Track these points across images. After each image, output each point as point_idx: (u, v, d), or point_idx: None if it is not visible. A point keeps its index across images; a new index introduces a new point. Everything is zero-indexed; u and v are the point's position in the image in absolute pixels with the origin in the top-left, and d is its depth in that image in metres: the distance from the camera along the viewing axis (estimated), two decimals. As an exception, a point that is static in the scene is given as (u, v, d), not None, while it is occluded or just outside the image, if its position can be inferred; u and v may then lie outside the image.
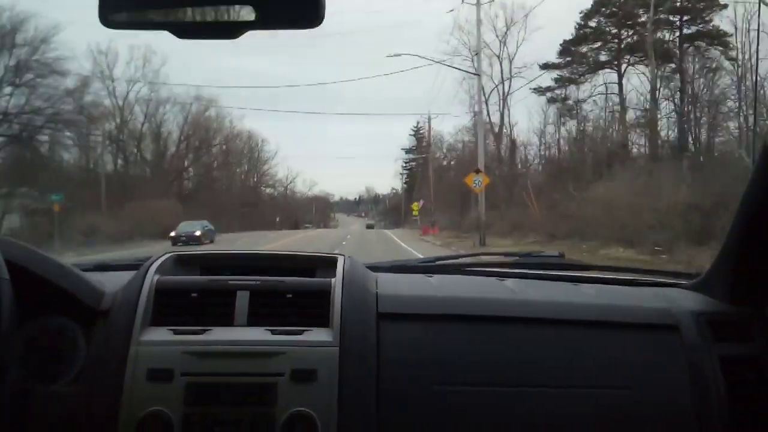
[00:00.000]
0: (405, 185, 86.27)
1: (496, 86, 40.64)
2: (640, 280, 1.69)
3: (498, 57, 40.48)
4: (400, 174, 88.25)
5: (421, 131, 71.75)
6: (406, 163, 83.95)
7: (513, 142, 42.14)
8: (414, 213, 48.29)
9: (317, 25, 0.91)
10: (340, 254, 1.48)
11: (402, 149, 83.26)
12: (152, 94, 51.85)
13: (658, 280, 1.71)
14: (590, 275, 1.72)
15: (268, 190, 76.69)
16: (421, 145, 71.54)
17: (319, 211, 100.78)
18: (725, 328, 1.35)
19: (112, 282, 1.36)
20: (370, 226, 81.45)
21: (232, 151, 65.78)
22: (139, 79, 49.65)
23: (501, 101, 40.91)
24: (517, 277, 1.63)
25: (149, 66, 51.48)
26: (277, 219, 68.30)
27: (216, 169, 63.76)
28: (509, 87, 40.86)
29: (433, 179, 55.10)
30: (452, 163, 56.19)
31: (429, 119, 50.84)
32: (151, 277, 1.32)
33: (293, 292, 1.31)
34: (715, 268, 1.47)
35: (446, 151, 58.48)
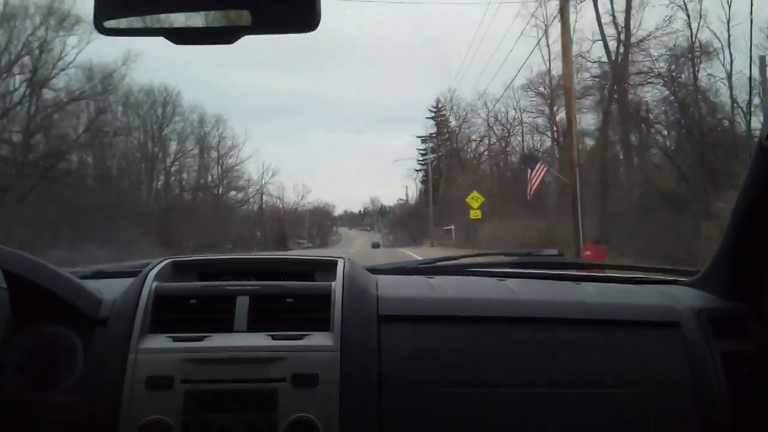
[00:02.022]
0: (422, 184, 61.53)
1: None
2: (639, 277, 1.69)
3: None
4: (416, 170, 63.71)
5: (442, 111, 53.36)
6: (423, 155, 60.08)
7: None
8: (474, 213, 24.80)
9: (313, 29, 0.91)
10: (340, 257, 1.48)
11: (417, 137, 60.68)
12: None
13: (658, 277, 1.71)
14: (590, 274, 1.72)
15: (239, 195, 50.06)
16: (443, 130, 53.68)
17: (317, 224, 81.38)
18: (725, 324, 1.35)
19: (110, 289, 1.35)
20: (376, 245, 61.23)
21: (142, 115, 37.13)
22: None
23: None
24: (517, 277, 1.63)
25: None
26: (258, 234, 51.26)
27: (88, 142, 30.99)
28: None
29: (459, 171, 39.31)
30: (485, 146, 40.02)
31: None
32: (150, 284, 1.31)
33: (293, 296, 1.31)
34: (714, 264, 1.47)
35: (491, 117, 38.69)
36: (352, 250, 44.24)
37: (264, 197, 56.30)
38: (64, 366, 1.22)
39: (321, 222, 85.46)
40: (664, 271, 1.79)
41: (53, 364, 1.22)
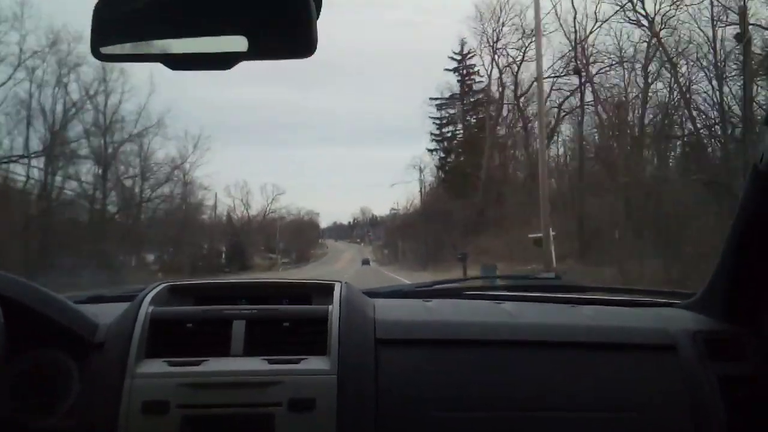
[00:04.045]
0: (438, 170, 44.47)
1: None
2: (636, 300, 1.69)
3: None
4: (429, 151, 45.21)
5: (471, 54, 38.26)
6: (439, 126, 42.67)
7: None
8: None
9: (309, 55, 0.92)
10: (337, 281, 1.48)
11: (430, 99, 43.32)
12: None
13: (654, 300, 1.71)
14: (587, 297, 1.72)
15: (159, 189, 32.31)
16: (471, 86, 37.22)
17: (297, 236, 65.97)
18: (722, 346, 1.35)
19: (106, 314, 1.35)
20: (365, 262, 52.98)
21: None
22: None
23: None
24: (514, 300, 1.63)
25: None
26: (205, 246, 39.42)
27: None
28: None
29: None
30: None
31: None
32: (146, 309, 1.31)
33: (290, 320, 1.30)
34: (710, 287, 1.47)
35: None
36: (339, 266, 32.45)
37: (219, 199, 39.83)
38: (60, 391, 1.22)
39: (302, 233, 69.60)
40: (661, 294, 1.79)
41: (49, 388, 1.22)
